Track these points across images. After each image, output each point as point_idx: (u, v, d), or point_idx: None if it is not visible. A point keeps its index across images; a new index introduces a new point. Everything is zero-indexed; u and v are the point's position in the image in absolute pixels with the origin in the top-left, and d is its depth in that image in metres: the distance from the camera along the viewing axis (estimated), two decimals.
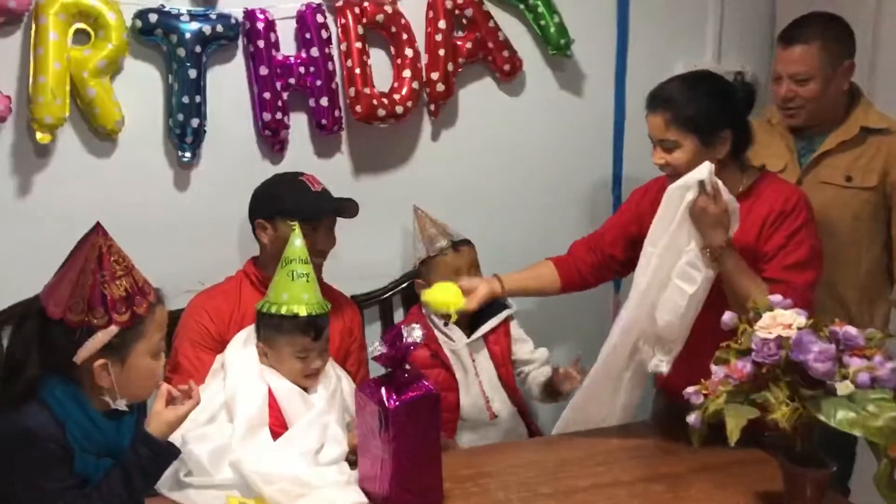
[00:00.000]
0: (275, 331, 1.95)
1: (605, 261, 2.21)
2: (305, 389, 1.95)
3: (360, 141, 2.49)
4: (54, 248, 2.17)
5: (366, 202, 2.32)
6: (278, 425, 1.90)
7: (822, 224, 2.02)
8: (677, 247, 1.85)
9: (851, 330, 1.45)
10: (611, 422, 2.03)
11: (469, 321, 2.30)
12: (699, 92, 1.92)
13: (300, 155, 2.43)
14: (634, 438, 1.98)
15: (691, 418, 1.52)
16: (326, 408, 1.93)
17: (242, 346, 2.01)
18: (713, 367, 1.57)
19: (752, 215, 1.91)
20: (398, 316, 2.57)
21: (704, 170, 1.80)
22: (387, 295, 2.58)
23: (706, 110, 1.89)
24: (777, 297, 1.53)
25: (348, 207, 2.19)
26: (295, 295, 1.94)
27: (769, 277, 1.85)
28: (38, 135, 2.15)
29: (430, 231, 2.32)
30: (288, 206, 2.12)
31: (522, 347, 2.35)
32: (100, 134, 2.25)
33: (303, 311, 1.92)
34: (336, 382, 2.02)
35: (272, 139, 2.39)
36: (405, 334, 1.70)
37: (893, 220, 2.18)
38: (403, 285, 2.57)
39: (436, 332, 2.30)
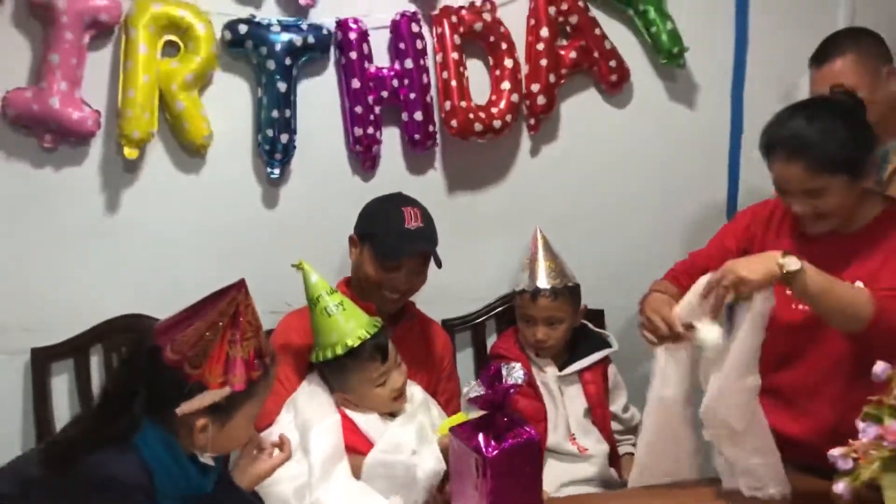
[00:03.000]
0: (342, 373, 1.84)
1: None
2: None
3: (454, 157, 2.37)
4: (143, 265, 2.24)
5: (459, 221, 2.26)
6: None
7: None
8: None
9: None
10: (683, 473, 1.82)
11: (566, 356, 2.21)
12: (835, 125, 1.69)
13: (392, 171, 2.32)
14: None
15: (839, 487, 1.31)
16: (413, 413, 1.84)
17: (308, 384, 1.92)
18: (860, 425, 1.37)
19: None
20: (492, 342, 2.42)
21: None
22: (480, 319, 2.44)
23: (852, 144, 1.68)
24: None
25: (436, 259, 2.03)
26: (341, 329, 1.81)
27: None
28: (126, 150, 2.09)
29: (536, 263, 2.20)
30: (375, 231, 2.00)
31: (616, 398, 2.23)
32: (188, 149, 2.19)
33: (356, 341, 1.80)
34: (422, 397, 1.92)
35: (364, 155, 2.28)
36: (505, 374, 1.55)
37: None
38: (498, 310, 2.44)
39: (529, 361, 2.21)
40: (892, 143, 2.10)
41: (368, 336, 1.81)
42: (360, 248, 2.03)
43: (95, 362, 2.22)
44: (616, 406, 2.26)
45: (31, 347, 2.15)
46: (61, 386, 2.21)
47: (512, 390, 1.53)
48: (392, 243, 1.95)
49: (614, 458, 2.24)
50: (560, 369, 2.18)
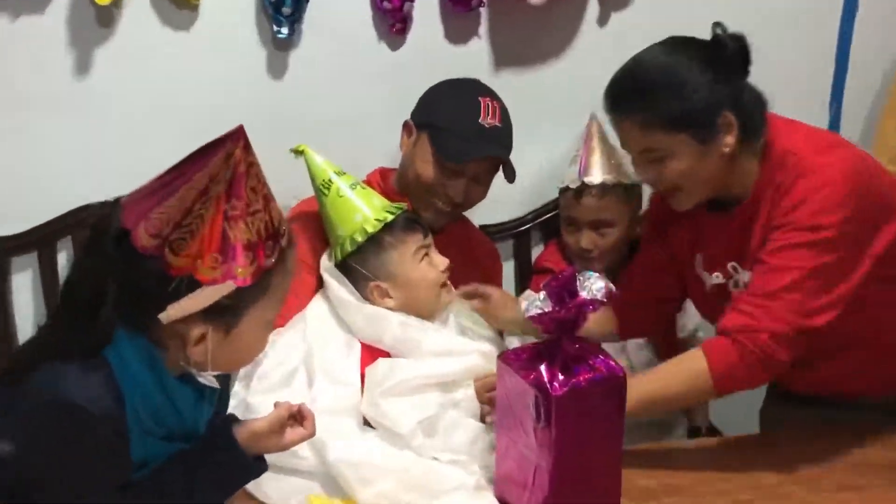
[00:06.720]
0: (377, 255, 1.52)
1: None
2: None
3: (504, 22, 1.98)
4: (119, 143, 1.85)
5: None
6: None
7: None
8: None
9: None
10: None
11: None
12: (676, 71, 1.38)
13: (425, 38, 1.94)
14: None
15: None
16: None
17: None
18: None
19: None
20: (538, 253, 2.06)
21: None
22: (524, 228, 2.07)
23: (694, 94, 1.36)
24: None
25: (508, 170, 1.70)
26: (364, 207, 1.53)
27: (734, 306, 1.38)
28: None
29: (587, 157, 1.85)
30: (441, 121, 1.65)
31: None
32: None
33: (388, 216, 1.53)
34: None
35: (392, 15, 1.88)
36: (581, 285, 1.15)
37: None
38: (545, 216, 2.06)
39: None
40: None
41: (400, 210, 1.55)
42: (415, 137, 1.69)
43: (64, 258, 1.90)
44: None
45: None
46: (24, 283, 1.90)
47: (590, 307, 1.14)
48: (459, 140, 1.62)
49: None
50: None
